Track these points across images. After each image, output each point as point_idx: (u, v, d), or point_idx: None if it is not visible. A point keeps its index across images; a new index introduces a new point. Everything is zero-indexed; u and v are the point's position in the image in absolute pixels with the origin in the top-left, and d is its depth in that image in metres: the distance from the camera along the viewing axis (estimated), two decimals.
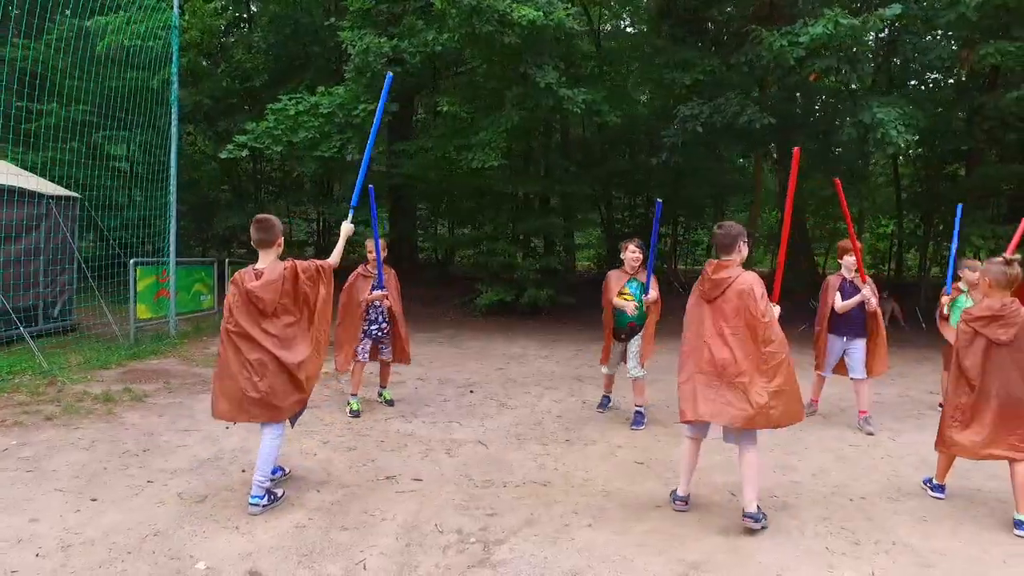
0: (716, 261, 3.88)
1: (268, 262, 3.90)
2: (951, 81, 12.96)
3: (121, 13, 8.96)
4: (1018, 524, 3.85)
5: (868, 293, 5.59)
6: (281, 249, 4.00)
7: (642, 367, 5.70)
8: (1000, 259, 4.00)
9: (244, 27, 11.71)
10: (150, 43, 9.20)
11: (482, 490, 4.33)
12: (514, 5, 8.02)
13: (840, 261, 5.93)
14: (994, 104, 9.76)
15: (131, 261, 8.41)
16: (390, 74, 4.77)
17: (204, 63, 11.31)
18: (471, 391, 7.00)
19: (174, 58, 8.67)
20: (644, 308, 5.57)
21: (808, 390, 6.31)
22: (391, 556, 3.41)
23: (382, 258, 5.82)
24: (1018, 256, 4.02)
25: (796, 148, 4.36)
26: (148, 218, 9.66)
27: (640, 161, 12.89)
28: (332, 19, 10.44)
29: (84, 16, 9.05)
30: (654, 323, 5.70)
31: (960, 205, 6.20)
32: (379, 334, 5.97)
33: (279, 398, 3.85)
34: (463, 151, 9.72)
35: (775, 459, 5.02)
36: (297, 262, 3.93)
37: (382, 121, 4.97)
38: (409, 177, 11.44)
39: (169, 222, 8.97)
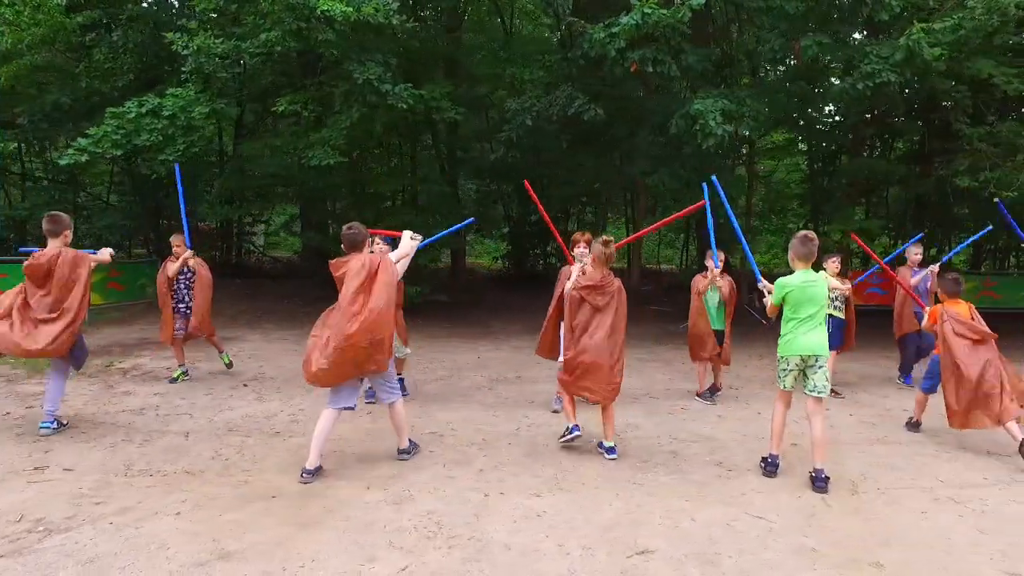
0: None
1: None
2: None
3: None
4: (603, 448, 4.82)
5: (569, 286, 5.62)
6: (68, 240, 5.06)
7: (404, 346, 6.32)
8: (601, 240, 4.63)
9: (110, 28, 11.62)
10: None
11: (123, 479, 4.28)
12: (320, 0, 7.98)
13: (575, 252, 5.89)
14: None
15: None
16: None
17: (62, 61, 11.26)
18: (244, 385, 6.93)
19: None
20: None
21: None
22: None
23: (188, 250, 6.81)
24: (612, 237, 4.80)
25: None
26: None
27: (528, 158, 12.79)
28: (184, 20, 10.41)
29: None
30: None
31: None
32: (188, 312, 6.84)
33: None
34: (307, 149, 9.66)
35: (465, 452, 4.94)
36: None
37: None
38: (266, 176, 11.38)
39: None
